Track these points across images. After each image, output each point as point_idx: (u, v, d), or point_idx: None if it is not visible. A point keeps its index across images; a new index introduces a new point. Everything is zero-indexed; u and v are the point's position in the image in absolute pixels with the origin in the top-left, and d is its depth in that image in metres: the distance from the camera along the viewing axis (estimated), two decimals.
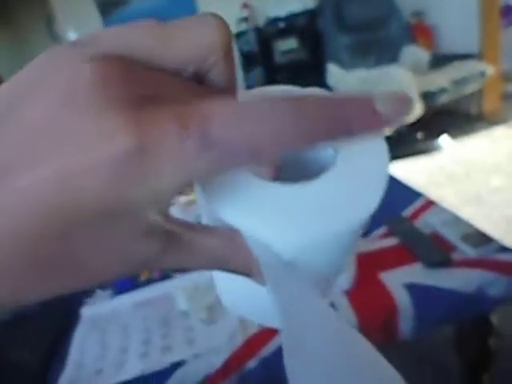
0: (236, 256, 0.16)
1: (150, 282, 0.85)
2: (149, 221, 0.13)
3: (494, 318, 0.80)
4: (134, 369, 0.64)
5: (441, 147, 2.55)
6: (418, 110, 2.28)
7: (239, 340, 0.66)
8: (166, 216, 0.14)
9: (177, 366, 0.64)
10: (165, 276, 0.86)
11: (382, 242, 0.83)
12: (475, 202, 1.87)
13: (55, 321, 0.80)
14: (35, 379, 0.66)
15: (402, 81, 2.28)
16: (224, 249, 0.16)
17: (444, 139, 2.58)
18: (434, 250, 0.76)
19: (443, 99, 2.38)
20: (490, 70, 2.39)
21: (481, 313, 0.79)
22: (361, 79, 2.44)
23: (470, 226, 0.82)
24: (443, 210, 0.91)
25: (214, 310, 0.72)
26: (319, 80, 2.78)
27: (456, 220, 0.85)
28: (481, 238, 0.77)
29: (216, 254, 0.16)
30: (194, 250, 0.15)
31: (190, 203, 1.05)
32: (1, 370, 0.70)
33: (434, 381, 1.06)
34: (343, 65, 2.70)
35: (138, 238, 0.13)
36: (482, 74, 2.39)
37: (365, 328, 0.65)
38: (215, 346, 0.65)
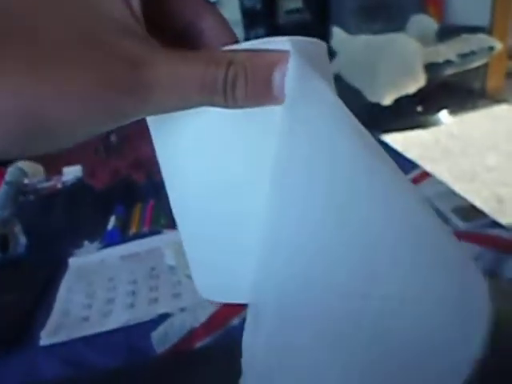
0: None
1: (138, 236, 0.85)
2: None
3: None
4: (120, 318, 0.64)
5: (440, 122, 2.52)
6: (420, 82, 2.23)
7: None
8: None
9: (163, 318, 0.64)
10: (154, 231, 0.86)
11: None
12: (468, 178, 1.88)
13: (43, 269, 0.80)
14: (22, 323, 0.66)
15: (407, 49, 2.22)
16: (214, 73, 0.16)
17: (444, 114, 2.55)
18: None
19: (447, 72, 2.33)
20: (498, 45, 2.33)
21: None
22: (365, 44, 2.37)
23: (462, 199, 0.81)
24: (438, 182, 0.90)
25: None
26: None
27: (449, 193, 0.84)
28: (472, 212, 0.77)
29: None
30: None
31: None
32: None
33: None
34: (348, 29, 2.61)
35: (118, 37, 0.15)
36: (490, 49, 2.33)
37: None
38: (201, 302, 0.66)
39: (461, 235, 0.72)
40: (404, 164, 1.02)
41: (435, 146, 2.24)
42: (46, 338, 0.62)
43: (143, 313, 0.65)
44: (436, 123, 2.50)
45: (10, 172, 0.87)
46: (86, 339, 0.62)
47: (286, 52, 0.17)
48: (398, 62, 2.19)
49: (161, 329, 0.63)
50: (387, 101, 2.36)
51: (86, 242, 0.84)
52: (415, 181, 0.92)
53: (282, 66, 0.16)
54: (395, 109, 2.42)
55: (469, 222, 0.74)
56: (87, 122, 0.15)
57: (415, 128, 2.47)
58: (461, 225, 0.73)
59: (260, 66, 0.16)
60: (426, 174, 0.94)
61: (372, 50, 2.30)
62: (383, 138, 1.23)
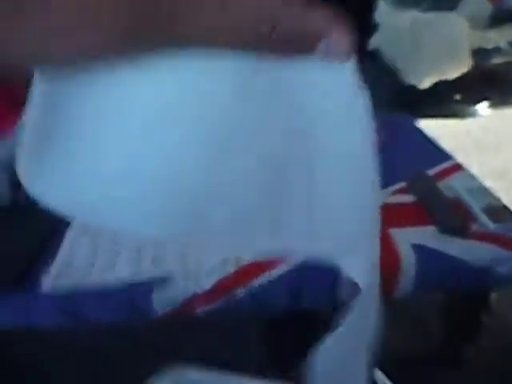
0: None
1: None
2: None
3: (494, 296, 0.78)
4: (123, 274, 0.63)
5: (477, 113, 2.39)
6: (463, 67, 2.10)
7: (231, 267, 0.64)
8: None
9: (166, 279, 0.63)
10: None
11: (397, 197, 0.79)
12: (499, 175, 1.79)
13: (51, 215, 0.79)
14: (27, 265, 0.66)
15: (455, 31, 2.07)
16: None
17: (482, 106, 2.41)
18: (451, 216, 0.71)
19: (495, 61, 2.18)
20: None
21: (482, 288, 0.76)
22: (411, 21, 2.22)
23: (495, 198, 0.76)
24: (471, 177, 0.85)
25: None
26: (367, 16, 2.54)
27: (482, 190, 0.79)
28: (504, 213, 0.72)
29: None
30: None
31: None
32: None
33: (412, 337, 1.07)
34: (395, 3, 2.45)
35: None
36: None
37: None
38: (206, 268, 0.64)
39: (488, 237, 0.67)
40: (437, 153, 0.96)
41: (467, 138, 2.13)
42: (47, 286, 0.61)
43: (147, 271, 0.63)
44: (472, 114, 2.37)
45: None
46: (86, 291, 0.61)
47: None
48: (443, 44, 2.06)
49: (163, 290, 0.62)
50: (425, 84, 2.24)
51: None
52: (446, 172, 0.86)
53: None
54: (431, 94, 2.30)
55: (499, 224, 0.69)
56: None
57: (449, 117, 2.35)
58: (491, 225, 0.68)
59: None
60: (458, 167, 0.88)
61: (418, 27, 2.16)
62: (417, 123, 1.16)
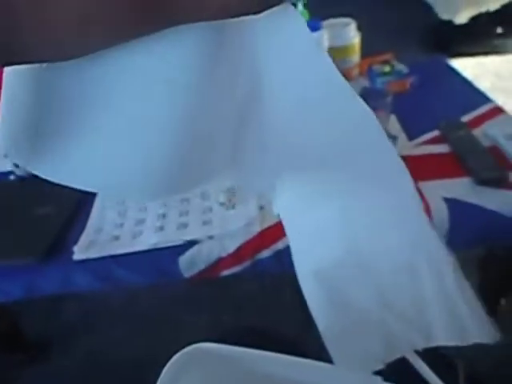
0: None
1: None
2: None
3: None
4: (150, 240, 0.64)
5: None
6: None
7: (255, 229, 0.63)
8: None
9: (191, 244, 0.63)
10: None
11: (430, 147, 0.74)
12: None
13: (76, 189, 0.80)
14: (59, 234, 0.68)
15: None
16: None
17: None
18: (489, 165, 0.66)
19: None
20: None
21: None
22: None
23: None
24: (511, 122, 0.78)
25: (234, 194, 0.69)
26: None
27: None
28: None
29: None
30: None
31: None
32: (30, 222, 0.73)
33: None
34: None
35: None
36: None
37: None
38: (230, 231, 0.64)
39: None
40: (473, 96, 0.88)
41: (511, 77, 1.96)
42: (78, 253, 0.63)
43: (172, 237, 0.64)
44: None
45: None
46: (116, 257, 0.63)
47: None
48: None
49: (188, 254, 0.63)
50: (462, 18, 2.04)
51: None
52: (484, 118, 0.79)
53: None
54: (470, 29, 2.10)
55: None
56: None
57: (491, 53, 2.16)
58: None
59: None
60: (498, 110, 0.81)
61: None
62: (452, 63, 1.06)
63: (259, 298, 1.08)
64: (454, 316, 0.24)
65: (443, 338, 0.24)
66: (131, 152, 0.19)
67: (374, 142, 0.22)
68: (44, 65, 0.16)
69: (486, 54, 2.17)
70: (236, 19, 0.15)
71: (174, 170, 0.20)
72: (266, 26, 0.18)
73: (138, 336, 1.06)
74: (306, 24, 0.18)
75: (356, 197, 0.24)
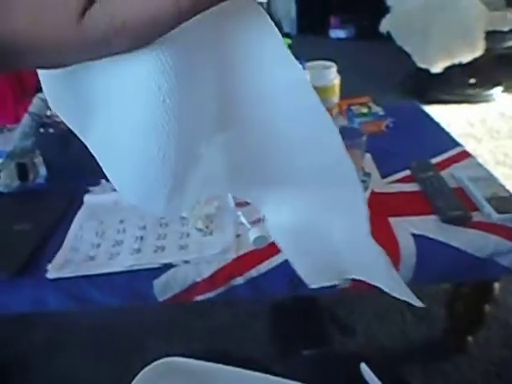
0: None
1: None
2: None
3: (497, 287, 0.77)
4: (126, 262, 0.64)
5: (491, 98, 2.32)
6: (478, 51, 2.03)
7: (231, 256, 0.65)
8: None
9: (167, 267, 0.64)
10: None
11: (401, 185, 0.78)
12: (511, 163, 1.75)
13: (59, 202, 0.81)
14: (34, 252, 0.68)
15: (470, 12, 2.00)
16: None
17: (497, 90, 2.34)
18: (454, 205, 0.70)
19: (511, 43, 2.10)
20: None
21: (485, 279, 0.76)
22: (423, 3, 2.15)
23: (502, 188, 0.75)
24: (477, 166, 0.83)
25: (212, 221, 0.71)
26: None
27: (488, 179, 0.77)
28: (509, 203, 0.71)
29: None
30: None
31: None
32: (6, 237, 0.72)
33: (415, 327, 1.07)
34: None
35: None
36: None
37: None
38: (206, 256, 0.65)
39: (491, 228, 0.66)
40: (444, 140, 0.94)
41: (481, 125, 2.08)
42: (52, 271, 0.63)
43: (148, 259, 0.65)
44: (487, 99, 2.31)
45: (34, 103, 0.85)
46: (91, 278, 0.63)
47: None
48: (456, 26, 1.99)
49: (163, 278, 0.63)
50: (438, 68, 2.18)
51: (102, 181, 0.84)
52: (452, 160, 0.85)
53: None
54: (444, 78, 2.24)
55: (503, 214, 0.68)
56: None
57: (463, 102, 2.29)
58: (494, 215, 0.67)
59: None
60: (466, 154, 0.87)
61: (430, 9, 2.08)
62: (426, 108, 1.14)
63: (232, 326, 1.07)
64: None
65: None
66: (124, 154, 0.21)
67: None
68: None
69: (458, 102, 2.30)
70: (209, 18, 0.17)
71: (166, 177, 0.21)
72: (234, 27, 0.19)
73: (105, 362, 1.03)
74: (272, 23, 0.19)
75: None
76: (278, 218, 0.30)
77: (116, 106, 0.20)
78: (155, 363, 0.28)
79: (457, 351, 0.94)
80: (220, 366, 0.30)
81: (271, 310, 1.02)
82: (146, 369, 0.28)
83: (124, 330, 1.10)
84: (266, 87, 0.21)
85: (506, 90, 2.35)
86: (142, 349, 1.01)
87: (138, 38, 0.16)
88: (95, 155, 0.23)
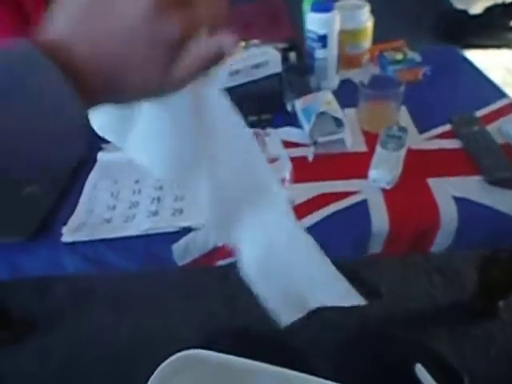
0: None
1: None
2: None
3: None
4: (142, 225, 0.61)
5: None
6: None
7: None
8: None
9: (186, 231, 0.60)
10: None
11: (441, 142, 0.70)
12: None
13: (71, 162, 0.77)
14: (47, 215, 0.65)
15: None
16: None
17: None
18: (502, 164, 0.63)
19: None
20: None
21: None
22: None
23: None
24: None
25: None
26: None
27: None
28: None
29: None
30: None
31: None
32: (17, 202, 0.70)
33: (443, 293, 1.03)
34: None
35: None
36: None
37: (395, 234, 0.58)
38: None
39: None
40: (488, 89, 0.85)
41: None
42: (67, 235, 0.60)
43: (166, 223, 0.61)
44: None
45: None
46: (106, 241, 0.60)
47: None
48: None
49: (182, 242, 0.60)
50: (476, 9, 1.98)
51: None
52: (499, 113, 0.76)
53: None
54: (483, 20, 2.04)
55: None
56: None
57: (503, 47, 2.10)
58: None
59: None
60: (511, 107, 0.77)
61: None
62: (464, 53, 1.02)
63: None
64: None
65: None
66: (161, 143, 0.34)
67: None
68: None
69: (498, 46, 2.11)
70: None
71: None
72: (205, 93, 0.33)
73: (125, 323, 1.05)
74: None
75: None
76: (251, 253, 0.41)
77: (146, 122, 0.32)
78: (174, 357, 0.26)
79: (486, 316, 0.90)
80: (239, 359, 0.31)
81: None
82: (167, 361, 0.26)
83: (142, 292, 1.10)
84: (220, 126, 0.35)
85: None
86: (162, 310, 1.01)
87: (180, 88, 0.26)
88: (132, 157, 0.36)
